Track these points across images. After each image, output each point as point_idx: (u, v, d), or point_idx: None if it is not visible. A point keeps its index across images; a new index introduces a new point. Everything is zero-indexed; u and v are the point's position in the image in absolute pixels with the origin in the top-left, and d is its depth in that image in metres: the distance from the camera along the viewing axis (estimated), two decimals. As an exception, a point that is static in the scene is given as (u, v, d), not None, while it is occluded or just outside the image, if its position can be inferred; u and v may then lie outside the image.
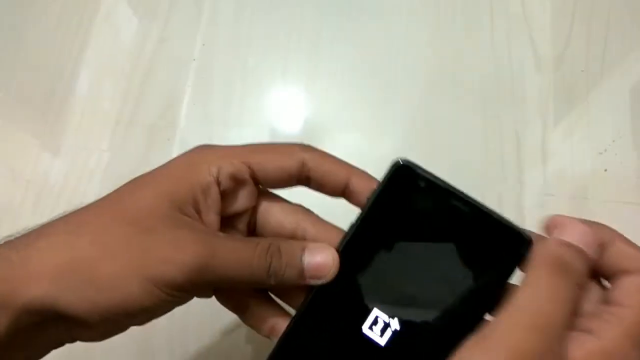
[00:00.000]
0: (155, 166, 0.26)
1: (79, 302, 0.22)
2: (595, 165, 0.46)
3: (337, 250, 0.25)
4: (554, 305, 0.20)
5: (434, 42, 0.51)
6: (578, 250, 0.22)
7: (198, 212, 0.25)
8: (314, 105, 0.50)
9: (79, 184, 0.47)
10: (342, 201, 0.27)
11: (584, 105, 0.48)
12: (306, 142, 0.27)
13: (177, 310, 0.25)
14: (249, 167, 0.26)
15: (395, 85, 0.50)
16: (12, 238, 0.23)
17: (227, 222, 0.27)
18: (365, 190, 0.25)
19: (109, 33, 0.52)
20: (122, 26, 0.52)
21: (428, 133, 0.48)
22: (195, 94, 0.50)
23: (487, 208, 0.24)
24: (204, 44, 0.51)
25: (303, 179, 0.26)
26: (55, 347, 0.24)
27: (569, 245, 0.22)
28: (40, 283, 0.21)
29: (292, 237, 0.26)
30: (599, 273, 0.23)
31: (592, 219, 0.23)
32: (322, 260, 0.24)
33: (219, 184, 0.25)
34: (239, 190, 0.26)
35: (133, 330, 0.25)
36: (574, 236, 0.22)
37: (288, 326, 0.25)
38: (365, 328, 0.24)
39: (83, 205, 0.25)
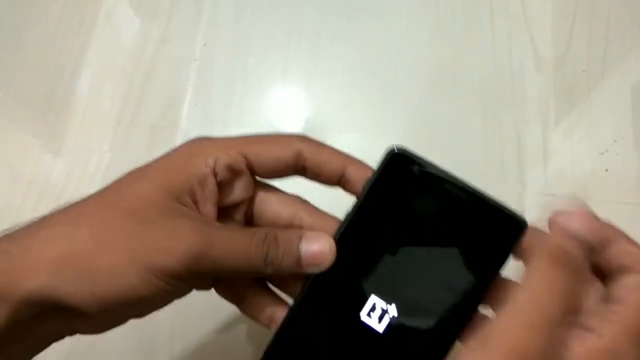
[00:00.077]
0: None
1: (78, 293, 0.22)
2: (596, 165, 0.46)
3: (334, 239, 0.25)
4: (552, 296, 0.20)
5: (434, 42, 0.51)
6: (580, 242, 0.22)
7: (195, 202, 0.25)
8: (314, 105, 0.50)
9: (80, 185, 0.47)
10: (338, 190, 0.27)
11: (585, 105, 0.48)
12: (306, 141, 0.27)
13: (179, 303, 0.25)
14: (245, 158, 0.26)
15: (395, 85, 0.50)
16: (11, 231, 0.23)
17: (224, 213, 0.27)
18: (361, 179, 0.25)
19: (109, 33, 0.52)
20: (123, 26, 0.52)
21: (428, 133, 0.48)
22: (196, 94, 0.50)
23: (482, 193, 0.24)
24: (205, 44, 0.51)
25: (299, 169, 0.27)
26: (55, 340, 0.24)
27: (571, 237, 0.22)
28: (40, 274, 0.22)
29: (289, 227, 0.26)
30: (601, 270, 0.23)
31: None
32: (319, 248, 0.24)
33: (215, 174, 0.25)
34: (236, 181, 0.26)
35: (134, 324, 0.25)
36: (580, 222, 0.22)
37: (286, 315, 0.25)
38: (363, 315, 0.24)
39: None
